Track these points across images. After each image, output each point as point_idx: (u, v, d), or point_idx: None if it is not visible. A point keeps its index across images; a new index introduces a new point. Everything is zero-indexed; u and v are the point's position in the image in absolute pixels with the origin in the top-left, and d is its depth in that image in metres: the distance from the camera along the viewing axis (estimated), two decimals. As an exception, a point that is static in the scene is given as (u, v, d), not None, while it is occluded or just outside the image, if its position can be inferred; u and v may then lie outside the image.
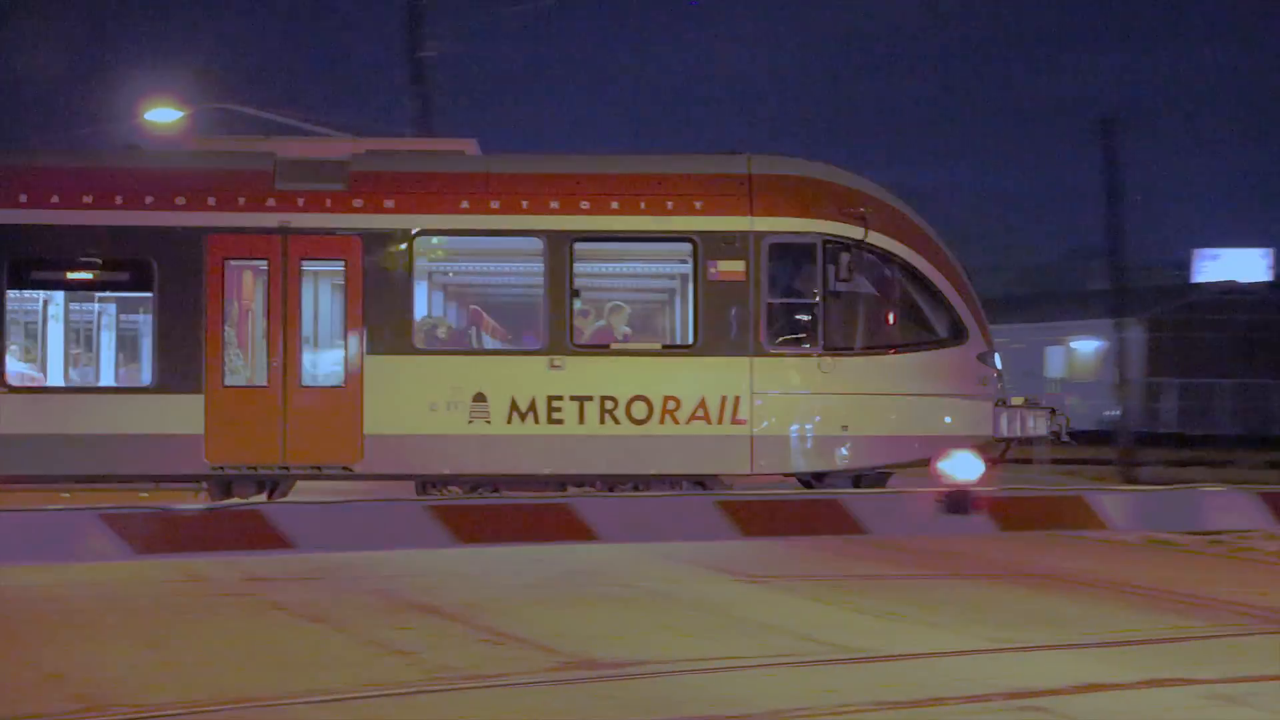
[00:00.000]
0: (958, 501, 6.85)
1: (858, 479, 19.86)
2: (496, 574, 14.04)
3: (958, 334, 20.80)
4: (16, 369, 20.87)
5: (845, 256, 20.41)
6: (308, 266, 20.69)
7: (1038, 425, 20.32)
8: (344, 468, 20.05)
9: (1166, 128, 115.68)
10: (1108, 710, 8.72)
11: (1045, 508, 7.07)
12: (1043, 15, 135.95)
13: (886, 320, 21.12)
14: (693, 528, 7.68)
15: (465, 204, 20.70)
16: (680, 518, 7.76)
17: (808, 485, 19.93)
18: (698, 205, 20.78)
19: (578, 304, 20.73)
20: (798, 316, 20.65)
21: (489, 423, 20.18)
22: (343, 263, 20.60)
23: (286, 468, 20.19)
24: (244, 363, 21.01)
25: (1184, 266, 59.68)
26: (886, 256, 20.82)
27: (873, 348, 20.72)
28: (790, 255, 20.75)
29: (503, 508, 8.13)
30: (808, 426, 19.92)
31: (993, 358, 20.94)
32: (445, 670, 9.74)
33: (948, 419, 20.36)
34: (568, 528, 7.43)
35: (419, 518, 7.66)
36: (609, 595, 12.86)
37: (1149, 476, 27.49)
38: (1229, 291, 54.64)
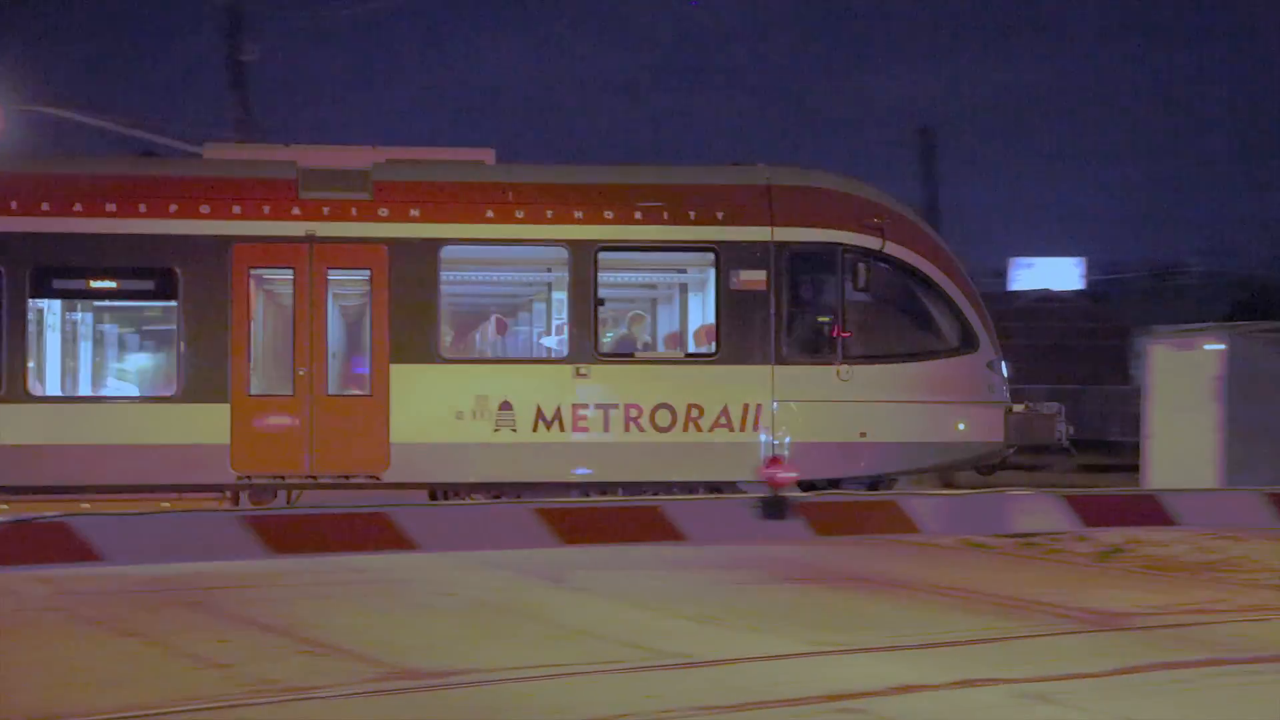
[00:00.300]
0: (774, 507, 6.91)
1: (874, 484, 19.79)
2: (316, 583, 13.86)
3: (969, 342, 21.33)
4: (41, 379, 20.83)
5: (863, 266, 20.82)
6: (334, 275, 20.74)
7: (1045, 432, 20.67)
8: (371, 476, 20.11)
9: (982, 140, 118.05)
10: (922, 710, 8.87)
11: (859, 512, 7.19)
12: (861, 28, 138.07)
13: (902, 329, 21.58)
14: (512, 537, 7.66)
15: (490, 213, 20.84)
16: (500, 527, 7.74)
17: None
18: (719, 215, 21.10)
19: (602, 312, 20.99)
20: (817, 325, 21.02)
21: (515, 431, 20.35)
22: (369, 271, 20.65)
23: (314, 477, 20.18)
24: (270, 372, 20.96)
25: (1001, 275, 61.06)
26: (902, 267, 21.32)
27: (889, 356, 21.13)
28: (810, 265, 21.17)
29: (320, 518, 8.04)
30: (827, 433, 20.23)
31: (1000, 365, 21.37)
32: (265, 683, 9.60)
33: (961, 425, 20.75)
34: (387, 538, 7.37)
35: (230, 528, 7.55)
36: (430, 604, 12.77)
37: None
38: (1044, 299, 55.99)
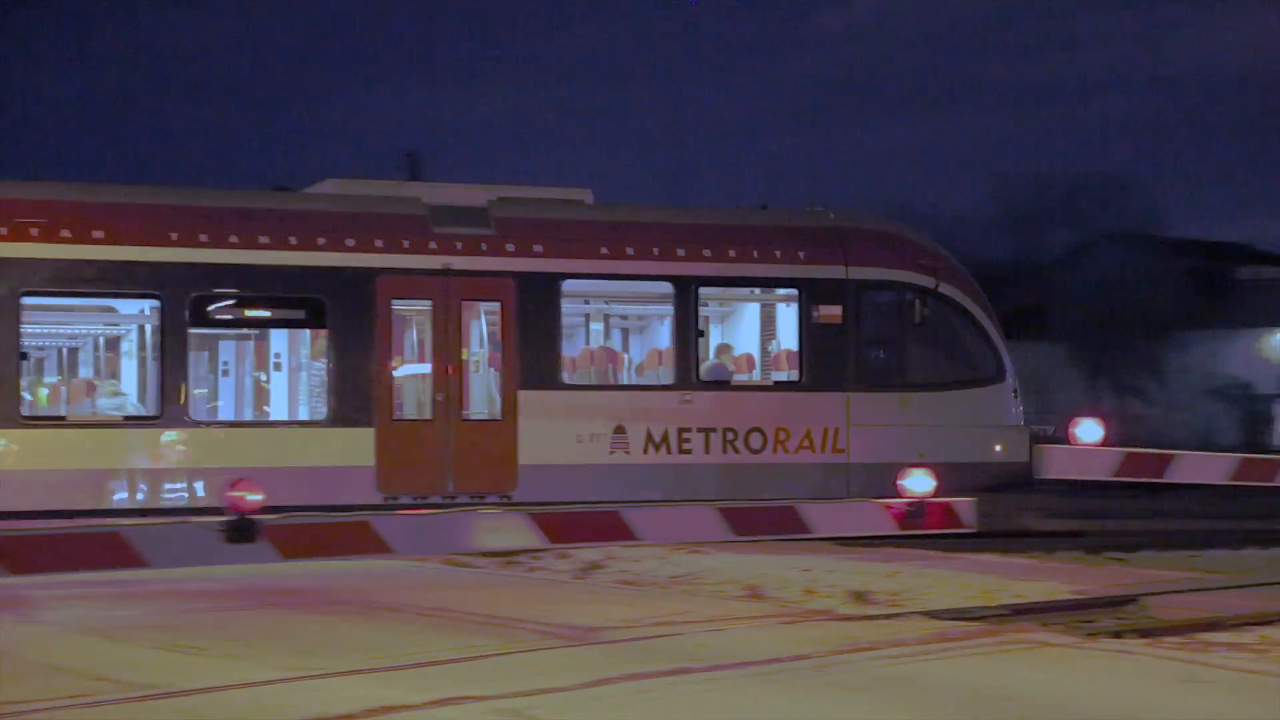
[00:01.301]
0: (240, 530, 6.84)
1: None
2: None
3: (1000, 372, 24.11)
4: (202, 404, 21.81)
5: (920, 303, 23.49)
6: (467, 306, 22.24)
7: None
8: (503, 496, 21.13)
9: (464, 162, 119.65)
10: (399, 730, 8.93)
11: (331, 534, 7.17)
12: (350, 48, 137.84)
13: (952, 360, 24.08)
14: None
15: (604, 250, 22.73)
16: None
17: None
18: (801, 255, 23.41)
19: (701, 343, 23.17)
20: (883, 356, 23.58)
21: (628, 453, 22.08)
22: (498, 303, 22.26)
23: (453, 496, 21.14)
24: (411, 397, 22.15)
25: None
26: (951, 303, 23.94)
27: (942, 384, 23.72)
28: (877, 301, 23.60)
29: None
30: (891, 455, 21.80)
31: (1019, 392, 23.95)
32: None
33: (997, 447, 23.30)
34: None
35: None
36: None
37: None
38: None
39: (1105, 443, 9.59)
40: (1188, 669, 11.06)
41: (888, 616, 13.52)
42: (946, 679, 10.55)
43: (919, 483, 6.99)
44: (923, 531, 7.83)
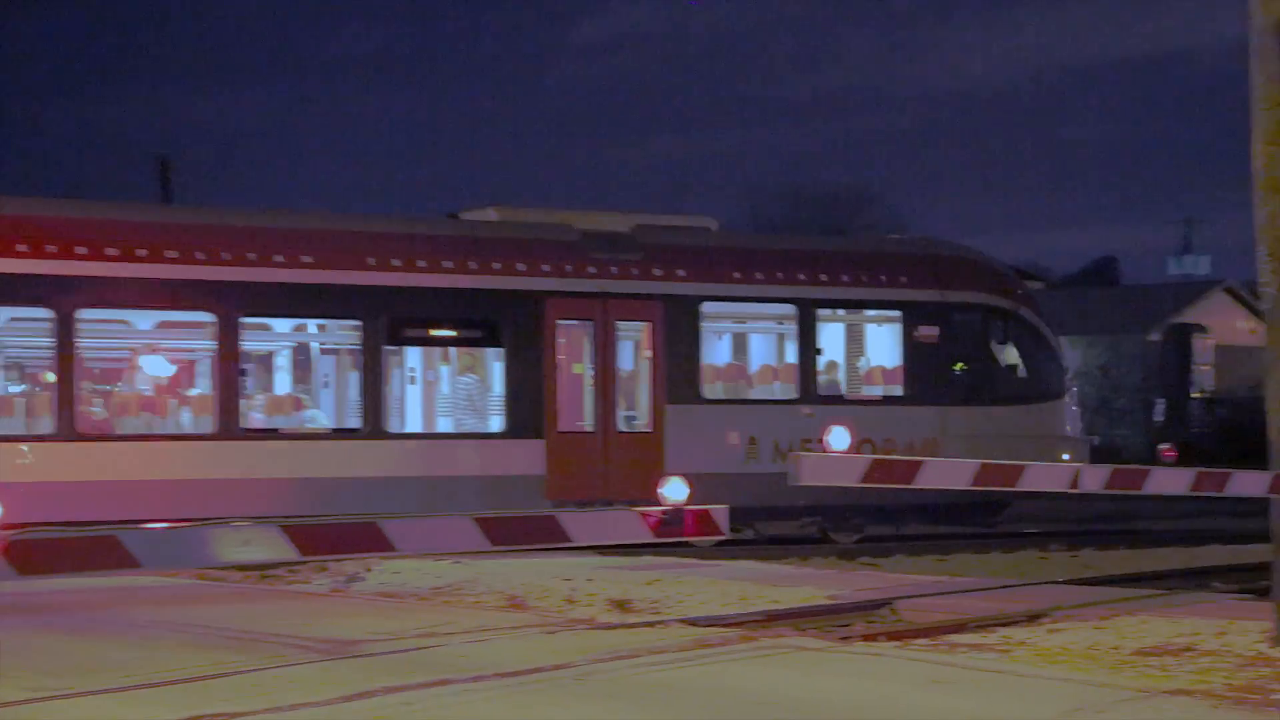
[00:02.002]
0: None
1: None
2: None
3: (1062, 387, 26.73)
4: (396, 418, 23.72)
5: (1002, 325, 26.15)
6: (620, 326, 24.28)
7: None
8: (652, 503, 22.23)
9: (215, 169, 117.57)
10: (151, 750, 8.71)
11: (76, 549, 6.96)
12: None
13: (1026, 376, 26.48)
14: None
15: (737, 274, 24.94)
16: None
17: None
18: (903, 280, 25.87)
19: (818, 360, 25.37)
20: (972, 372, 26.05)
21: (759, 461, 24.12)
22: (648, 324, 24.45)
23: (610, 503, 22.55)
24: (574, 410, 23.94)
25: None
26: (1025, 324, 26.53)
27: (1019, 398, 26.20)
28: (967, 322, 25.96)
29: None
30: None
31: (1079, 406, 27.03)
32: None
33: (1066, 456, 25.31)
34: None
35: None
36: None
37: None
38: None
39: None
40: (935, 670, 11.36)
41: (648, 624, 13.63)
42: (704, 685, 10.68)
43: (675, 490, 7.06)
44: (678, 539, 7.92)
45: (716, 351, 26.58)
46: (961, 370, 26.09)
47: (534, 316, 23.80)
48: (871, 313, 26.51)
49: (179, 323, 23.80)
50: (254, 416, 24.01)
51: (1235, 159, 12.76)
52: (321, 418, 24.43)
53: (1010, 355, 26.73)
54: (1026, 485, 8.66)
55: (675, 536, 7.22)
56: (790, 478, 7.72)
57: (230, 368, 22.90)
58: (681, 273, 24.61)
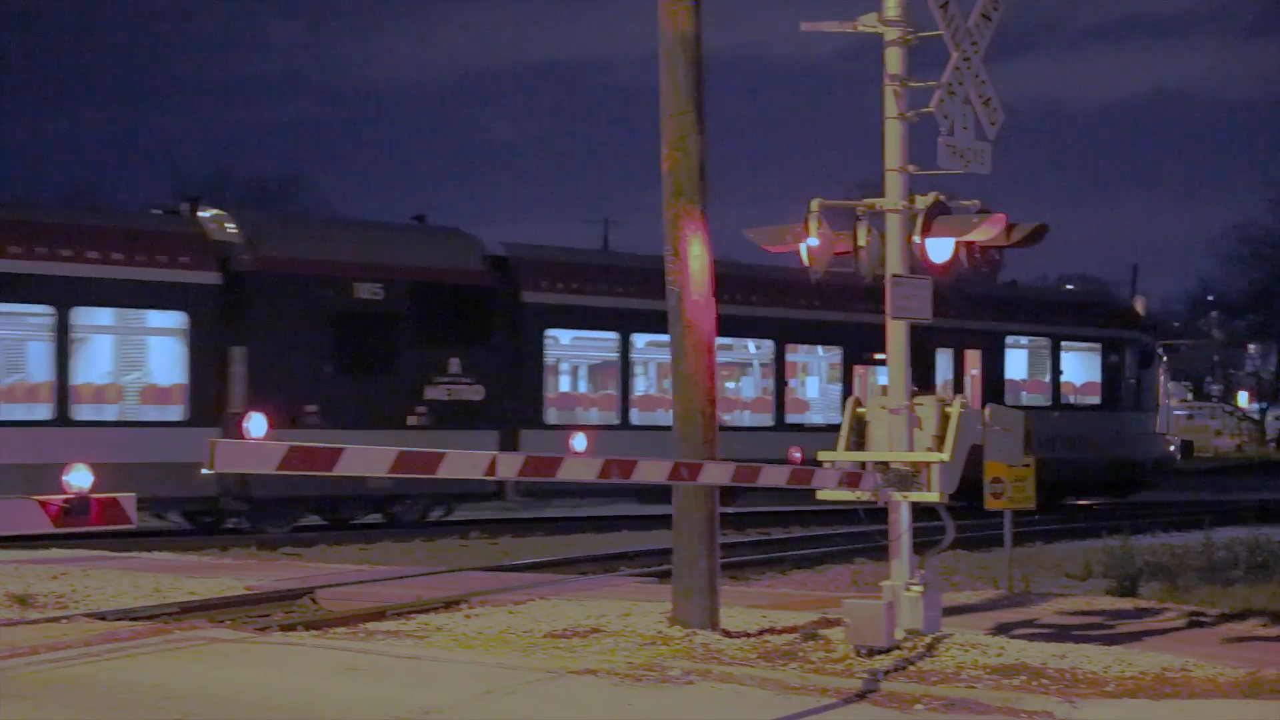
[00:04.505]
0: None
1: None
2: None
3: (1159, 398, 40.57)
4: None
5: (1147, 353, 39.40)
6: (942, 352, 34.80)
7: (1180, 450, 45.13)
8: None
9: None
10: None
11: None
12: None
13: (1154, 389, 40.07)
14: None
15: (1036, 317, 38.19)
16: None
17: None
18: (1099, 320, 39.38)
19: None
20: (1134, 389, 39.20)
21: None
22: (980, 351, 36.13)
23: None
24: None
25: None
26: (1154, 353, 40.11)
27: (1154, 407, 39.96)
28: (1131, 352, 39.01)
29: None
30: (1138, 454, 39.23)
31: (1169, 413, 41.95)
32: None
33: (1171, 447, 40.83)
34: None
35: None
36: None
37: None
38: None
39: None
40: (352, 658, 11.38)
41: (51, 620, 13.06)
42: (109, 680, 10.31)
43: (80, 477, 6.72)
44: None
45: (1020, 371, 38.64)
46: (1128, 387, 39.32)
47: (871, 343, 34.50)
48: (1085, 344, 39.01)
49: None
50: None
51: (652, 163, 13.34)
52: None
53: (1148, 376, 39.86)
54: (445, 473, 8.76)
55: (80, 526, 6.87)
56: (205, 464, 7.50)
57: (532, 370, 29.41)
58: (988, 315, 37.68)
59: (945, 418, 12.19)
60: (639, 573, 19.63)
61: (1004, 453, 13.07)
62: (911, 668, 11.04)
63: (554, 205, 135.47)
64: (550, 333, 30.28)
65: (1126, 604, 15.50)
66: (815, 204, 12.57)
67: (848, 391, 32.61)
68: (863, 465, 12.23)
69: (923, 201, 12.33)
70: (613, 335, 31.18)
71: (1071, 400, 38.12)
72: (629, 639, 12.24)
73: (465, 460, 9.02)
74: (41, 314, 25.15)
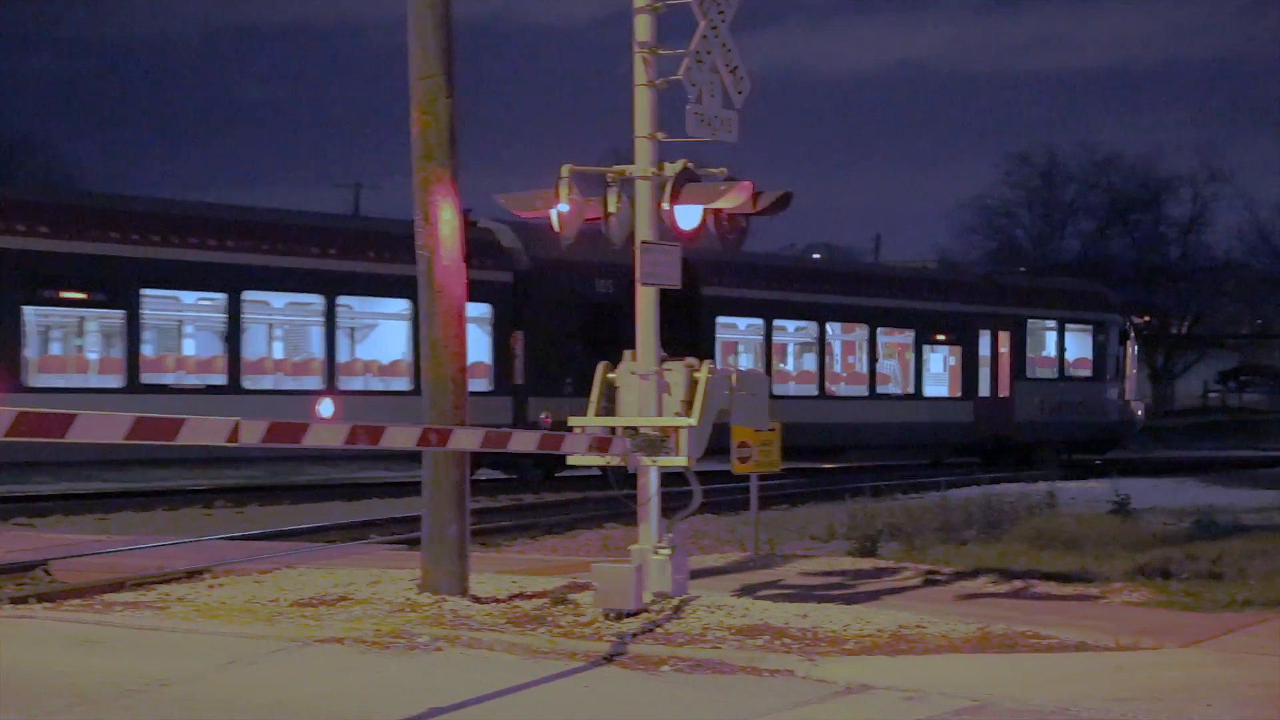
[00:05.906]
0: None
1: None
2: None
3: (1124, 370, 46.49)
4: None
5: (1122, 334, 45.87)
6: (986, 336, 41.98)
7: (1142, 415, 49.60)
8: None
9: None
10: None
11: None
12: None
13: (1126, 365, 46.08)
14: None
15: (1048, 302, 44.92)
16: None
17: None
18: (1089, 304, 45.70)
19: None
20: (1114, 363, 45.55)
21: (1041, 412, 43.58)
22: (1009, 333, 42.56)
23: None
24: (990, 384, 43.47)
25: None
26: (1127, 332, 46.21)
27: (1117, 375, 45.59)
28: (1111, 331, 45.40)
29: None
30: (1108, 414, 45.54)
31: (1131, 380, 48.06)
32: None
33: (1139, 413, 47.68)
34: None
35: None
36: None
37: None
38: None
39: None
40: (88, 630, 11.06)
41: None
42: None
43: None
44: None
45: (1035, 353, 44.62)
46: (1110, 362, 45.29)
47: (971, 333, 41.92)
48: (1076, 325, 44.79)
49: None
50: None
51: (405, 128, 13.15)
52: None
53: (1125, 353, 45.79)
54: (184, 440, 8.54)
55: None
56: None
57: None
58: (1010, 299, 44.71)
59: (694, 384, 12.29)
60: (389, 540, 19.46)
61: (750, 417, 13.26)
62: (659, 630, 11.15)
63: (305, 170, 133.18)
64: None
65: (867, 564, 15.86)
66: (566, 170, 12.56)
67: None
68: (613, 430, 12.28)
69: (672, 169, 12.40)
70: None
71: (1070, 373, 44.53)
72: (377, 607, 12.13)
73: (206, 427, 8.81)
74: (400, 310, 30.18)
